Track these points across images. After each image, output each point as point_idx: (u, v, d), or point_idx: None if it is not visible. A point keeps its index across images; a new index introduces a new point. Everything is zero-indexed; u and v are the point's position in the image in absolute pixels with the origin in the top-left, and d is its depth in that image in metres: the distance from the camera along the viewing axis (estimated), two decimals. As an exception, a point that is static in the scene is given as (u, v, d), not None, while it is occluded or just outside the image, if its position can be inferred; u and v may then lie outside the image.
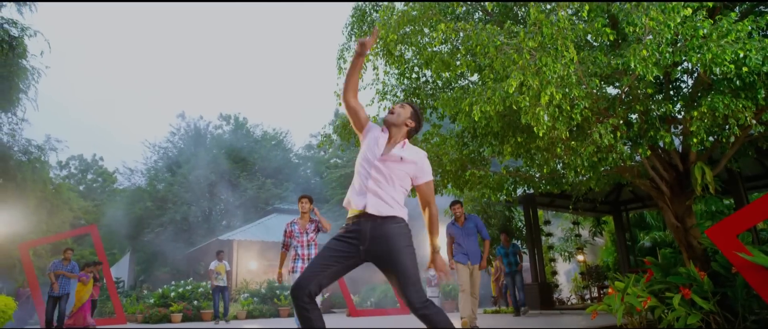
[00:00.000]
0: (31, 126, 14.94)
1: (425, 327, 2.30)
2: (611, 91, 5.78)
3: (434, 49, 4.78)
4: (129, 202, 24.53)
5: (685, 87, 5.35)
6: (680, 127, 5.51)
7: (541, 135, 4.51)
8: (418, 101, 7.31)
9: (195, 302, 14.02)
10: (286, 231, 5.51)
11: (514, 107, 4.30)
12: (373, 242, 2.32)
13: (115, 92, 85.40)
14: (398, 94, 7.55)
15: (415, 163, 2.51)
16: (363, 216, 2.37)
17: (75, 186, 32.26)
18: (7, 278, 15.36)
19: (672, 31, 3.67)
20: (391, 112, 2.63)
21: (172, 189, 25.07)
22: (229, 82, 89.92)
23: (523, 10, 6.13)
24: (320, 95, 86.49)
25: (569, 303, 12.66)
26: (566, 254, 14.09)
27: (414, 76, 7.19)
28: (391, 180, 2.44)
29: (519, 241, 12.06)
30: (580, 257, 13.73)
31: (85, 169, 40.11)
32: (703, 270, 5.10)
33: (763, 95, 4.18)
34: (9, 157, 12.40)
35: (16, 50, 10.80)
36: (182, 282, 14.88)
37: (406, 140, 2.61)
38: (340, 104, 7.51)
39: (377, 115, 7.99)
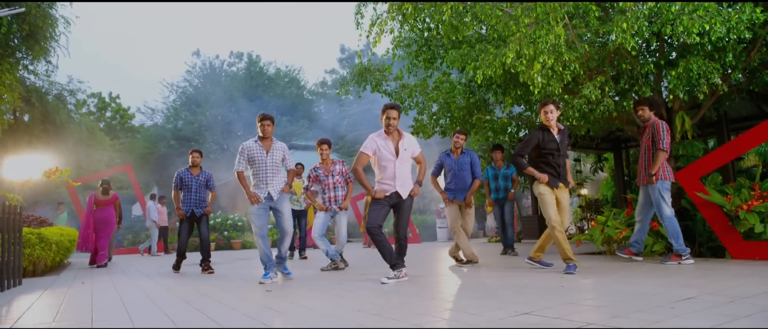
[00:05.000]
0: (55, 67, 15.77)
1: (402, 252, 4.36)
2: (611, 38, 6.34)
3: (443, 16, 5.35)
4: (153, 141, 25.70)
5: (673, 47, 5.90)
6: (664, 82, 6.13)
7: (536, 93, 5.22)
8: (429, 51, 7.91)
9: (225, 233, 15.41)
10: (310, 177, 5.84)
11: (513, 71, 4.98)
12: (399, 200, 4.36)
13: (128, 27, 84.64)
14: (411, 44, 8.13)
15: (411, 148, 4.39)
16: (396, 192, 4.34)
17: (96, 124, 33.40)
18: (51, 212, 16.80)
19: (647, 9, 4.25)
20: (394, 119, 4.27)
21: (192, 127, 26.10)
22: (240, 16, 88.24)
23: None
24: (332, 29, 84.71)
25: (567, 233, 13.76)
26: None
27: (425, 25, 7.69)
28: (406, 164, 4.36)
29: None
30: (584, 191, 14.63)
31: (102, 107, 41.14)
32: (672, 207, 5.95)
33: (730, 58, 4.81)
34: (47, 101, 13.30)
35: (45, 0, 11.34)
36: (212, 215, 16.24)
37: (402, 132, 4.38)
38: (359, 60, 8.12)
39: (392, 64, 8.60)
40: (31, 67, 12.27)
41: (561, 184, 4.42)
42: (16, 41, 11.13)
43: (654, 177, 4.70)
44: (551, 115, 4.37)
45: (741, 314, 2.17)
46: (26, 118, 13.53)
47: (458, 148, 5.76)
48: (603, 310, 2.40)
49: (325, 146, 5.81)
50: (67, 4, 11.53)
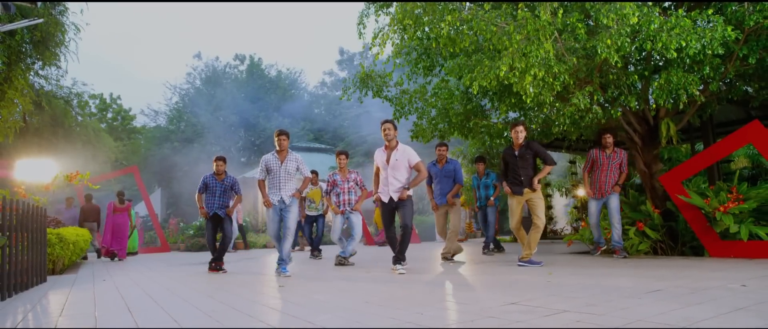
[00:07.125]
0: (64, 72, 16.12)
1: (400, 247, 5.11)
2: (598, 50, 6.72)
3: (441, 31, 5.69)
4: (156, 142, 26.05)
5: (657, 58, 6.27)
6: (651, 90, 6.50)
7: (528, 101, 5.58)
8: (429, 59, 8.28)
9: (229, 233, 15.74)
10: (328, 181, 6.72)
11: (506, 82, 5.34)
12: (397, 203, 5.09)
13: (129, 28, 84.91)
14: (411, 52, 8.49)
15: (404, 158, 5.01)
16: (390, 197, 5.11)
17: (99, 125, 33.67)
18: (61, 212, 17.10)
19: (629, 27, 4.62)
20: (387, 130, 5.01)
21: (194, 129, 26.45)
22: (241, 17, 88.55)
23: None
24: (331, 31, 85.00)
25: (562, 234, 14.13)
26: (563, 190, 15.38)
27: (424, 34, 8.04)
28: (397, 172, 5.01)
29: None
30: (581, 192, 15.02)
31: (104, 108, 41.44)
32: (658, 208, 6.32)
33: (707, 70, 5.18)
34: (56, 105, 13.65)
35: (57, 8, 11.70)
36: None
37: (398, 145, 5.04)
38: (362, 67, 8.47)
39: (392, 71, 8.94)
40: (41, 73, 12.60)
41: (526, 190, 5.30)
42: (27, 48, 11.47)
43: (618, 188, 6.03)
44: (520, 135, 5.32)
45: (694, 302, 2.53)
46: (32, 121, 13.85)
47: (442, 158, 6.54)
48: (579, 300, 2.77)
49: (343, 156, 6.71)
50: (78, 11, 11.84)
